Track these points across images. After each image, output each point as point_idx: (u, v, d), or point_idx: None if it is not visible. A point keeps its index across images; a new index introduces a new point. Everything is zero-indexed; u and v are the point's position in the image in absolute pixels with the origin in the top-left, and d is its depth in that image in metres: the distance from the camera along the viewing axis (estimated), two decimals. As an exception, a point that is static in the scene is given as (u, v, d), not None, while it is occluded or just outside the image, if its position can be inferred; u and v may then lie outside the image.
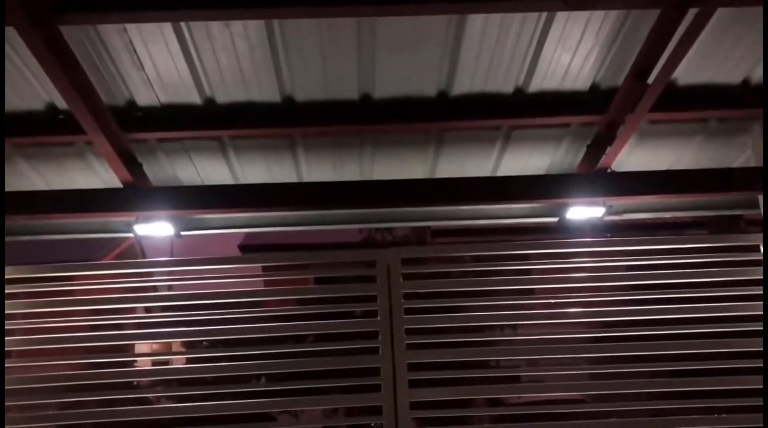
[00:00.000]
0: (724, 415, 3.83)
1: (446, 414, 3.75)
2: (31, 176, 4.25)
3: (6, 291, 3.86)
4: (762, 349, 3.58)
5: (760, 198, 4.04)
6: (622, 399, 3.90)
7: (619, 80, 3.74)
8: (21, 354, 4.08)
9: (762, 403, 3.28)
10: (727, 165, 4.43)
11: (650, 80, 3.51)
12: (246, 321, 3.92)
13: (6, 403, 3.88)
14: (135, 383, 4.91)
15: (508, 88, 3.82)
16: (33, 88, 3.66)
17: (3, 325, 3.64)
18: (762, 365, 3.59)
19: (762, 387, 3.46)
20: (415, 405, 3.75)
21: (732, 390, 3.77)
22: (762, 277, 3.72)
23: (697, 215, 4.84)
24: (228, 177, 4.39)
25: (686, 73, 3.73)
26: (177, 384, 4.18)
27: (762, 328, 3.68)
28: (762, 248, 3.76)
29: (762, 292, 3.68)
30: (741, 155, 4.38)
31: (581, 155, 4.25)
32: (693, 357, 3.86)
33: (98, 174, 4.27)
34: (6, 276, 3.86)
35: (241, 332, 3.95)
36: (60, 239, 4.70)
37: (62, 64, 3.21)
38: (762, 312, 3.67)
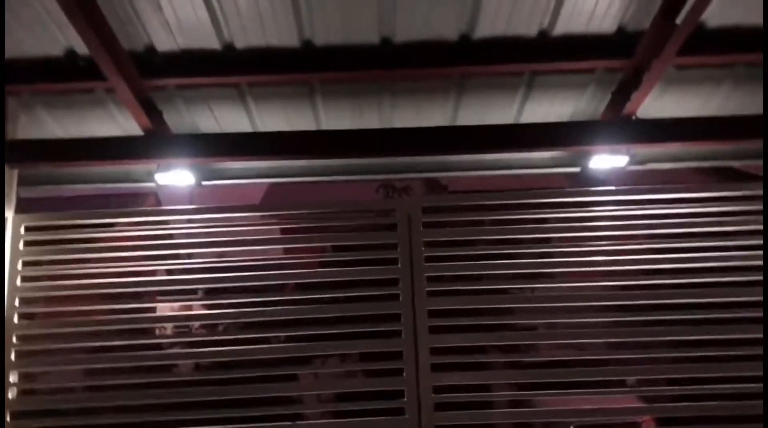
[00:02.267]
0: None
1: (466, 359, 3.77)
2: (50, 124, 4.25)
3: (29, 238, 3.91)
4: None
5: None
6: (638, 348, 3.91)
7: (647, 22, 3.64)
8: (46, 300, 4.14)
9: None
10: (756, 112, 4.32)
11: (678, 21, 3.42)
12: (264, 268, 3.95)
13: (32, 348, 3.96)
14: (157, 331, 4.93)
15: (532, 30, 3.74)
16: (52, 33, 3.63)
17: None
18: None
19: None
20: (436, 351, 3.77)
21: (749, 338, 3.77)
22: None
23: (720, 165, 4.76)
24: (247, 125, 4.37)
25: (716, 15, 3.62)
26: (198, 331, 4.22)
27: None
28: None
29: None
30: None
31: (606, 102, 4.18)
32: (708, 306, 3.85)
33: (118, 122, 4.26)
34: (30, 223, 3.91)
35: (261, 279, 3.98)
36: (82, 189, 4.72)
37: (82, 7, 3.18)
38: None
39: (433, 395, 3.70)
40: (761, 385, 3.64)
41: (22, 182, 4.08)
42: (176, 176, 4.19)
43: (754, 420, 3.65)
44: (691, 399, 3.76)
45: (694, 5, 3.28)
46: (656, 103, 4.19)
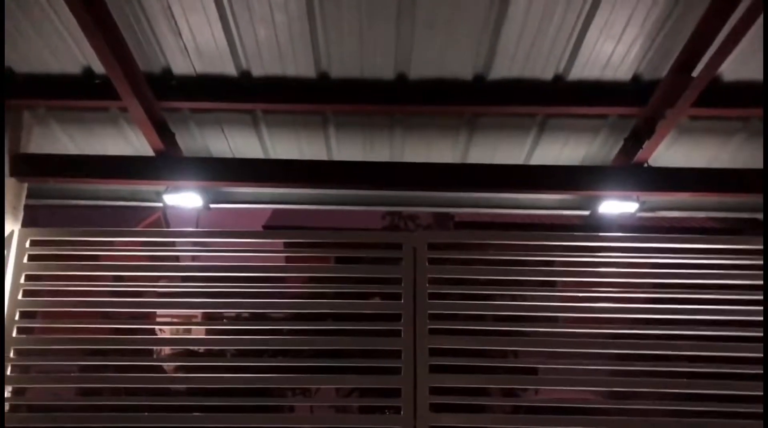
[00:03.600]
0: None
1: (464, 401, 3.72)
2: (63, 139, 4.27)
3: (33, 253, 3.91)
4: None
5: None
6: (639, 398, 3.86)
7: (663, 72, 3.65)
8: (45, 315, 4.13)
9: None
10: (766, 166, 4.32)
11: (695, 74, 3.43)
12: (267, 296, 3.93)
13: (28, 363, 3.93)
14: (154, 353, 4.92)
15: (548, 74, 3.75)
16: (71, 50, 3.66)
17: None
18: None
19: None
20: (435, 390, 3.73)
21: (748, 395, 3.72)
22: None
23: (731, 216, 4.73)
24: (259, 152, 4.37)
25: (732, 69, 3.63)
26: (195, 355, 4.19)
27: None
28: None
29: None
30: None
31: (617, 148, 4.17)
32: (710, 359, 3.80)
33: (130, 142, 4.28)
34: (36, 237, 3.91)
35: (262, 307, 3.96)
36: (89, 205, 4.73)
37: (101, 27, 3.21)
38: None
39: (429, 434, 3.65)
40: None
41: (31, 194, 4.09)
42: (184, 198, 4.19)
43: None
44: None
45: (711, 59, 3.28)
46: (668, 152, 4.18)
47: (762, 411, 3.58)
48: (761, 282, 3.88)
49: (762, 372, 3.69)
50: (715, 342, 3.84)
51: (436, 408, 3.71)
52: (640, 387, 3.85)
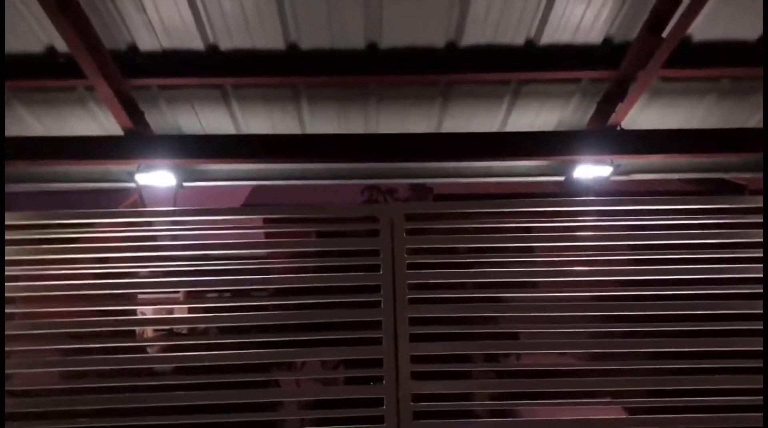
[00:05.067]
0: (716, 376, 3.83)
1: (446, 368, 3.75)
2: (29, 121, 4.19)
3: (11, 237, 3.84)
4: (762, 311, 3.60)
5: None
6: (620, 359, 3.91)
7: (633, 35, 3.65)
8: (25, 300, 4.07)
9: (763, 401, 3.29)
10: (739, 126, 4.35)
11: (665, 35, 3.42)
12: (247, 273, 3.90)
13: (8, 348, 3.89)
14: (137, 335, 4.88)
15: (519, 40, 3.73)
16: (31, 29, 3.57)
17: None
18: (762, 327, 3.61)
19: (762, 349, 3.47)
20: (416, 359, 3.74)
21: (731, 351, 3.78)
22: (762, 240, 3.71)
23: (703, 177, 4.77)
24: (230, 127, 4.32)
25: (701, 29, 3.63)
26: (178, 335, 4.18)
27: (762, 291, 3.68)
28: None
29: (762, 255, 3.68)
30: (754, 115, 4.30)
31: (591, 112, 4.18)
32: (692, 318, 3.85)
33: (98, 121, 4.20)
34: (11, 222, 3.84)
35: (242, 284, 3.94)
36: (63, 189, 4.65)
37: (63, 3, 3.13)
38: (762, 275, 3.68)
39: (412, 403, 3.67)
40: (743, 397, 3.66)
41: (0, 179, 4.02)
42: (157, 177, 4.14)
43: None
44: (672, 411, 3.76)
45: (679, 20, 3.29)
46: (641, 115, 4.20)
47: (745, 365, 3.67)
48: (737, 240, 3.93)
49: (744, 327, 3.76)
50: (693, 300, 3.89)
51: (417, 376, 3.72)
52: (621, 348, 3.89)
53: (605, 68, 3.82)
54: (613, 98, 3.90)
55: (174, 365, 3.96)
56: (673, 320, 3.86)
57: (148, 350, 4.55)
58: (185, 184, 4.34)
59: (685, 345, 3.85)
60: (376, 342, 3.77)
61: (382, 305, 3.78)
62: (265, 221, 4.40)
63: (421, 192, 11.85)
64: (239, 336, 3.94)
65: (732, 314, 3.85)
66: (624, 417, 4.00)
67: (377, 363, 3.74)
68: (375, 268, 3.87)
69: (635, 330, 3.89)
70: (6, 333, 3.75)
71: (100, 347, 3.85)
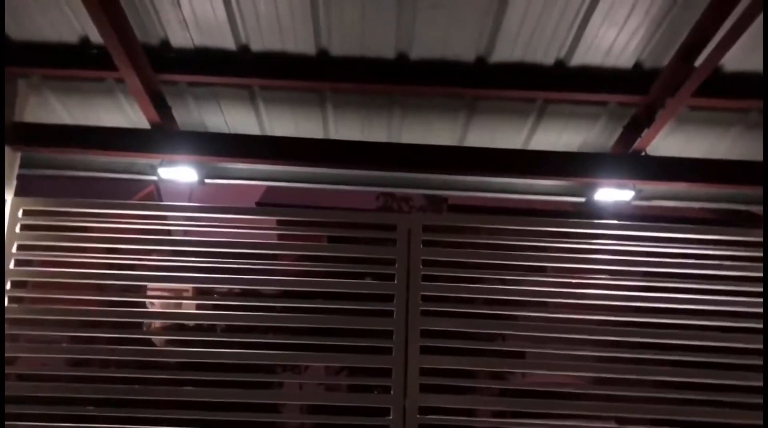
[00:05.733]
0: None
1: (455, 383, 3.74)
2: (58, 109, 4.23)
3: (27, 222, 3.88)
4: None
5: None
6: (626, 384, 3.89)
7: (664, 61, 3.63)
8: (36, 286, 4.10)
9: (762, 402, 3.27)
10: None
11: (697, 64, 3.41)
12: (259, 273, 3.92)
13: (18, 332, 3.92)
14: (145, 327, 4.91)
15: (549, 59, 3.72)
16: (68, 18, 3.61)
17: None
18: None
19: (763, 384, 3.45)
20: (425, 371, 3.74)
21: (736, 385, 3.77)
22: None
23: (724, 207, 4.74)
24: (255, 128, 4.34)
25: (734, 59, 3.61)
26: (185, 329, 4.18)
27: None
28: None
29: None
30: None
31: (616, 136, 4.17)
32: (698, 349, 3.84)
33: (125, 114, 4.24)
34: (29, 207, 3.87)
35: (254, 284, 3.95)
36: (82, 176, 4.68)
37: (100, -4, 3.16)
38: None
39: (419, 416, 3.67)
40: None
41: (23, 164, 4.05)
42: (179, 172, 4.16)
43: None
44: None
45: (713, 50, 3.27)
46: (666, 142, 4.18)
47: (750, 401, 3.64)
48: (754, 273, 3.91)
49: (753, 362, 3.73)
50: (705, 331, 3.87)
51: (426, 388, 3.73)
52: (628, 374, 3.87)
53: (634, 93, 3.81)
54: (639, 123, 3.89)
55: (179, 360, 3.98)
56: (682, 349, 3.85)
57: (155, 342, 4.55)
58: (206, 181, 4.36)
59: (695, 376, 3.83)
60: (386, 351, 3.77)
61: (394, 316, 3.79)
62: (279, 222, 4.42)
63: (435, 202, 11.89)
64: (245, 335, 3.97)
65: (740, 348, 3.84)
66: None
67: (386, 372, 3.74)
68: (389, 277, 3.88)
69: (642, 357, 3.88)
70: (15, 316, 3.78)
71: (106, 336, 3.89)
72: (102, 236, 3.96)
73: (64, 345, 4.03)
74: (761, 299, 3.83)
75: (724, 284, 3.93)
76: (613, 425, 4.01)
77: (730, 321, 3.90)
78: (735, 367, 3.82)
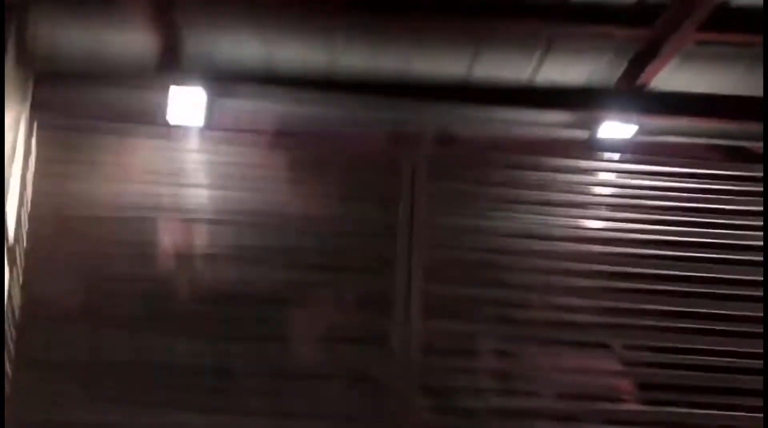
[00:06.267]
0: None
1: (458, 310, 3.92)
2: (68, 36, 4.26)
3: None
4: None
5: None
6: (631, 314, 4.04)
7: (671, -5, 3.63)
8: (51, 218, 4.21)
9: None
10: (769, 94, 4.34)
11: (703, -3, 3.41)
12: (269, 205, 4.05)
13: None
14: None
15: (555, -7, 3.73)
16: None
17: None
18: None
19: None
20: (427, 296, 3.90)
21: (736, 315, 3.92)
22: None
23: (727, 144, 4.79)
24: (263, 58, 4.36)
25: (741, -7, 3.60)
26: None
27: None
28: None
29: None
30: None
31: (621, 71, 4.19)
32: (698, 280, 3.99)
33: (135, 44, 4.26)
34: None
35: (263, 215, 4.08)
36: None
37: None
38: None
39: (423, 338, 3.85)
40: (743, 360, 3.81)
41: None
42: (190, 103, 4.22)
43: (735, 393, 3.83)
44: (674, 367, 3.93)
45: (720, -17, 3.27)
46: (672, 77, 4.19)
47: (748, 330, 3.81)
48: (754, 208, 4.02)
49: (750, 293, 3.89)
50: (704, 263, 4.01)
51: (429, 314, 3.89)
52: (636, 304, 4.03)
53: (639, 27, 3.82)
54: (644, 58, 3.91)
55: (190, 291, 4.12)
56: (682, 280, 3.99)
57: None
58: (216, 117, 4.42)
59: (692, 306, 3.98)
60: (390, 281, 3.93)
61: (397, 248, 3.94)
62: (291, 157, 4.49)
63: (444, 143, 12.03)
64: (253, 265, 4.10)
65: (741, 279, 3.99)
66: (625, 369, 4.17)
67: (389, 298, 3.90)
68: (395, 210, 4.00)
69: (644, 288, 4.03)
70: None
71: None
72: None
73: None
74: (759, 232, 3.96)
75: (728, 218, 4.05)
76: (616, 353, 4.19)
77: (729, 253, 4.03)
78: (732, 297, 3.97)
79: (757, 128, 4.40)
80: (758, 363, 3.85)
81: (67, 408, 3.78)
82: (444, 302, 3.94)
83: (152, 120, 4.27)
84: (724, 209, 4.15)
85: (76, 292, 3.97)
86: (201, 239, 4.16)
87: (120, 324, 3.91)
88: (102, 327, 3.91)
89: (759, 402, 3.73)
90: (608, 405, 4.01)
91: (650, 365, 4.05)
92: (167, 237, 4.15)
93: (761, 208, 4.01)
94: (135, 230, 4.05)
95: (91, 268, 3.99)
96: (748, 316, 3.92)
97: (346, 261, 4.06)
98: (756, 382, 3.84)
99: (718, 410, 3.92)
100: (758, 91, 4.20)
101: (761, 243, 4.03)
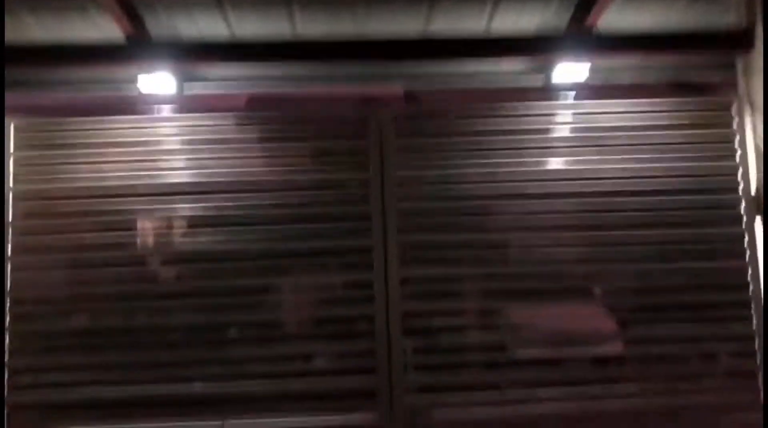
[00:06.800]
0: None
1: (433, 255, 4.09)
2: (33, 26, 4.34)
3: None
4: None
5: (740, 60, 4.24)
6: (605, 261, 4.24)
7: (611, -63, 3.79)
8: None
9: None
10: (713, 26, 4.54)
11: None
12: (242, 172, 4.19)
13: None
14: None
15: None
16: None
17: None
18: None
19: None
20: (404, 247, 4.08)
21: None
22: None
23: (676, 78, 4.99)
24: (225, 32, 4.48)
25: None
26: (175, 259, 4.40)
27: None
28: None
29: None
30: (723, 17, 4.48)
31: (569, 16, 4.35)
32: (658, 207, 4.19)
33: (100, 28, 4.36)
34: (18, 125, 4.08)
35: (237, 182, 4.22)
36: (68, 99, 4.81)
37: None
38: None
39: (401, 287, 4.04)
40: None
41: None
42: (158, 81, 4.34)
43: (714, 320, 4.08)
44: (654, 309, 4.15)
45: None
46: (618, 16, 4.37)
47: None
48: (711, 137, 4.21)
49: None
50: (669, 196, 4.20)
51: (405, 261, 4.07)
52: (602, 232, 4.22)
53: (582, -30, 3.98)
54: (589, 1, 4.08)
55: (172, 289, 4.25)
56: (646, 210, 4.19)
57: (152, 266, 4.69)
58: (185, 92, 4.54)
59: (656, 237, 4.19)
60: (367, 231, 4.10)
61: (371, 201, 4.10)
62: (261, 122, 4.62)
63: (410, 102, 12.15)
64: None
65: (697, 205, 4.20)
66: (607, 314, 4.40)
67: (367, 249, 4.08)
68: (365, 166, 4.16)
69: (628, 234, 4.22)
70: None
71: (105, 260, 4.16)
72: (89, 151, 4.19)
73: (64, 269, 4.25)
74: (717, 163, 4.18)
75: (684, 150, 4.24)
76: (594, 299, 4.40)
77: (689, 185, 4.23)
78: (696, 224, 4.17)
79: (702, 60, 4.62)
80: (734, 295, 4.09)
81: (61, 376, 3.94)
82: (420, 249, 4.13)
83: (124, 98, 4.38)
84: (679, 140, 4.34)
85: (61, 267, 4.12)
86: (179, 209, 4.27)
87: (105, 296, 4.06)
88: (87, 299, 4.06)
89: (740, 329, 3.99)
90: (591, 345, 4.24)
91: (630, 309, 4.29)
92: (146, 210, 4.27)
93: (713, 133, 4.21)
94: (113, 204, 4.18)
95: (74, 244, 4.12)
96: (706, 250, 4.14)
97: (324, 221, 4.22)
98: (734, 306, 4.09)
99: (700, 342, 4.13)
100: (701, 24, 4.40)
101: (734, 168, 4.21)
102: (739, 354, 4.11)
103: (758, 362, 4.00)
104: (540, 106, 4.32)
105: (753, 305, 4.05)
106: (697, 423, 4.00)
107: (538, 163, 4.28)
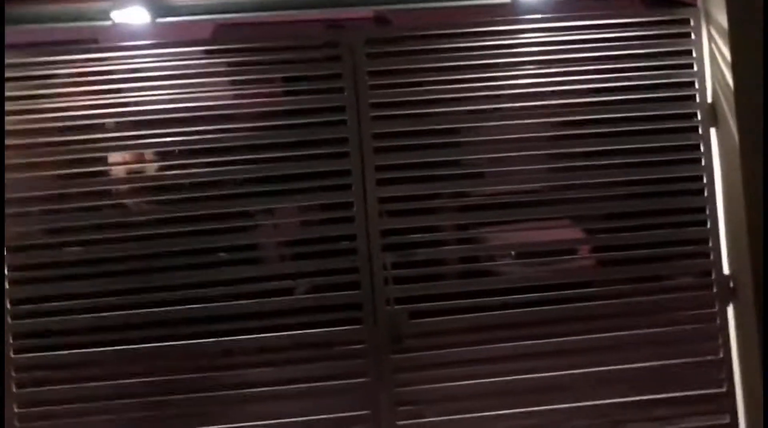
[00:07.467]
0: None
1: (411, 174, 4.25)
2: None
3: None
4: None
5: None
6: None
7: None
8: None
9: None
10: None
11: None
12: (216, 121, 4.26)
13: None
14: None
15: None
16: None
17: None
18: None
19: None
20: (381, 168, 4.23)
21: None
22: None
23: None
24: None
25: None
26: (152, 190, 4.49)
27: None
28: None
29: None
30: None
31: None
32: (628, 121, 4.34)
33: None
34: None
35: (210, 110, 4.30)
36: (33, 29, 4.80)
37: None
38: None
39: (378, 205, 4.22)
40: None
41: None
42: (131, 13, 4.35)
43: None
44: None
45: None
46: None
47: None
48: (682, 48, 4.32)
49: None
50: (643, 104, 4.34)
51: (383, 182, 4.24)
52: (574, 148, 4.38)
53: None
54: None
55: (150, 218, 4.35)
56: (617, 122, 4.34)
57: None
58: (158, 20, 4.55)
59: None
60: (344, 155, 4.24)
61: (348, 124, 4.23)
62: (231, 51, 4.65)
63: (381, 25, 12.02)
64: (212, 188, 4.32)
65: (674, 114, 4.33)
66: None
67: (345, 173, 4.23)
68: (338, 90, 4.26)
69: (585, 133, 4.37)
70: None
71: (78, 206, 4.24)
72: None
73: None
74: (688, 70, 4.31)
75: (656, 60, 4.35)
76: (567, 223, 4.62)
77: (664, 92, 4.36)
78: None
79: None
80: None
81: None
82: (396, 169, 4.28)
83: (98, 31, 4.39)
84: (654, 53, 4.43)
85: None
86: (158, 139, 4.34)
87: (92, 227, 4.21)
88: (75, 232, 4.21)
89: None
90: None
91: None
92: (125, 140, 4.36)
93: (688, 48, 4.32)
94: (93, 137, 4.27)
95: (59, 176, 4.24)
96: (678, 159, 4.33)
97: (301, 147, 4.32)
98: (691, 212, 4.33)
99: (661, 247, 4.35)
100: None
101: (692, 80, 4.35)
102: (694, 255, 4.38)
103: (711, 258, 4.27)
104: (508, 21, 4.39)
105: (707, 210, 4.28)
106: (658, 320, 4.29)
107: (508, 78, 4.37)
